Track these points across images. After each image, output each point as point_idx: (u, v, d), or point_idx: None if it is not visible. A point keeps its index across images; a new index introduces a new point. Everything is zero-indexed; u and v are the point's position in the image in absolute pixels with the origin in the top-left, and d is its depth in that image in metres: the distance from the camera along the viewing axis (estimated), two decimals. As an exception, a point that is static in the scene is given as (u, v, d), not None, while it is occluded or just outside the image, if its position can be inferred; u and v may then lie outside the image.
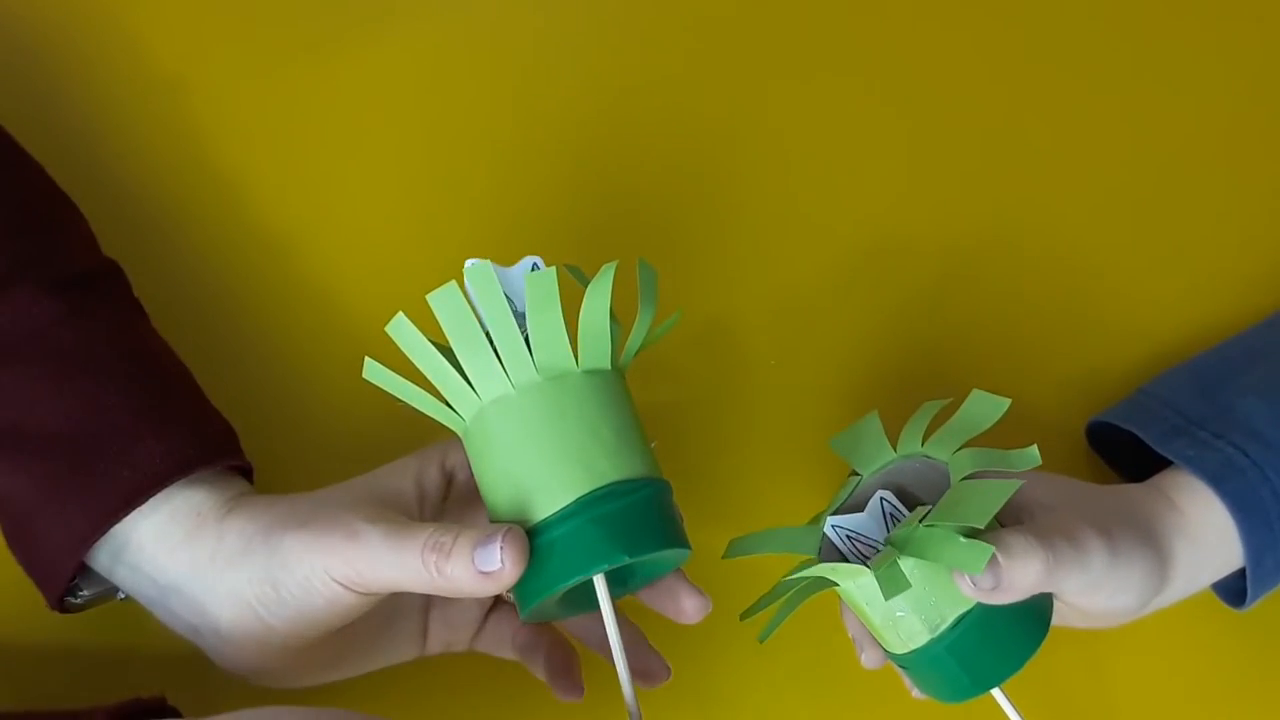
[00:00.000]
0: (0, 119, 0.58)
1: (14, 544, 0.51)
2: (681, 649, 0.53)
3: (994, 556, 0.47)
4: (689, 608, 0.50)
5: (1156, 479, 0.57)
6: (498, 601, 0.54)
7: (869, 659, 0.53)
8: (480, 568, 0.45)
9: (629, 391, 0.49)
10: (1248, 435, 0.56)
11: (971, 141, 0.71)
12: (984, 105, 0.72)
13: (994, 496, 0.47)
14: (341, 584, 0.47)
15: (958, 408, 0.53)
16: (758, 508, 0.61)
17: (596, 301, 0.46)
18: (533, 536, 0.46)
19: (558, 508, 0.45)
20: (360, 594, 0.47)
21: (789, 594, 0.51)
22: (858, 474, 0.54)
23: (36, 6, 0.67)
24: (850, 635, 0.54)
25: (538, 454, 0.46)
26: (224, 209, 0.64)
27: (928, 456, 0.53)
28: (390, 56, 0.69)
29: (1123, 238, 0.69)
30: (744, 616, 0.51)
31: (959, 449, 0.52)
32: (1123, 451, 0.61)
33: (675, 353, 0.62)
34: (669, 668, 0.52)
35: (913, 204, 0.69)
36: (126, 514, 0.49)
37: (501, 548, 0.44)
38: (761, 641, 0.51)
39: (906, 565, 0.48)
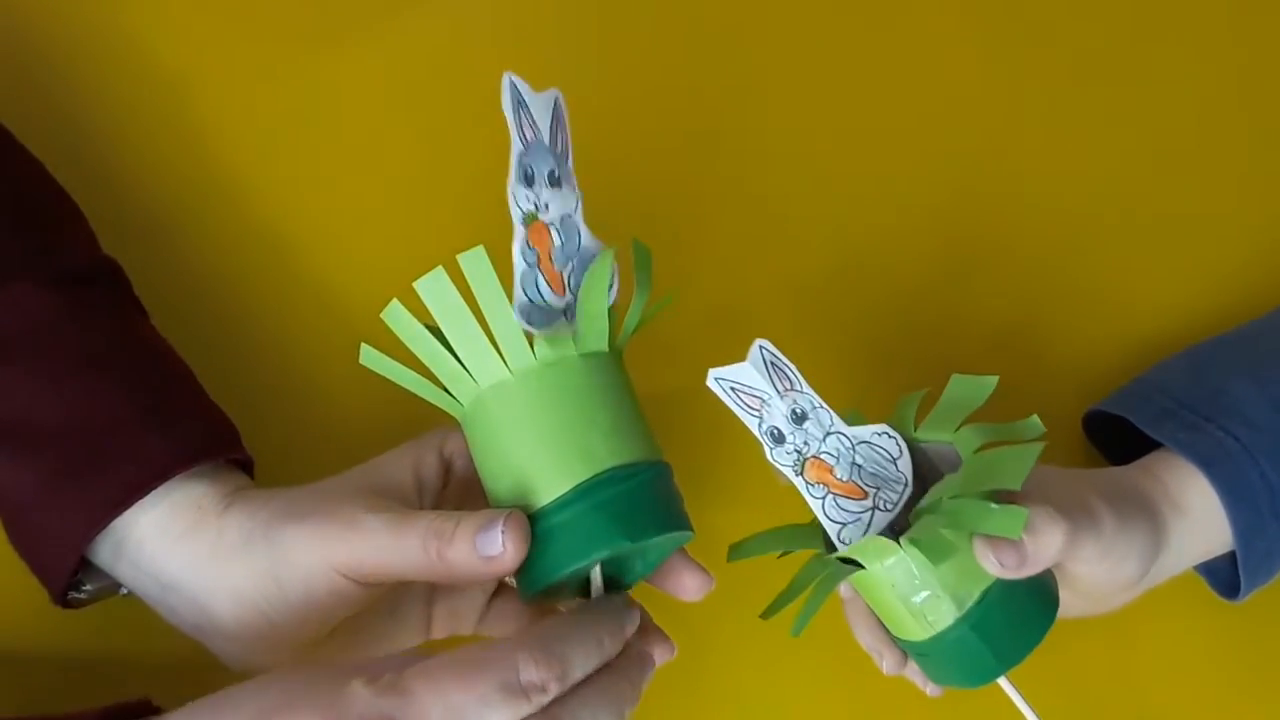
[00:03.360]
0: (1, 117, 0.58)
1: (16, 539, 0.51)
2: (683, 633, 0.53)
3: None
4: (690, 585, 0.50)
5: (1145, 460, 0.57)
6: (501, 586, 0.54)
7: (890, 664, 0.53)
8: (482, 552, 0.45)
9: (626, 372, 0.49)
10: (1236, 418, 0.56)
11: (970, 134, 0.71)
12: (982, 98, 0.72)
13: (1023, 458, 0.47)
14: (343, 575, 0.47)
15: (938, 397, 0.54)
16: (760, 493, 0.60)
17: (596, 285, 0.46)
18: (533, 523, 0.46)
19: (558, 494, 0.46)
20: (362, 585, 0.47)
21: (815, 582, 0.50)
22: None
23: (38, 5, 0.67)
24: (864, 646, 0.54)
25: (537, 440, 0.46)
26: (225, 206, 0.64)
27: (919, 441, 0.53)
28: (391, 54, 0.69)
29: (1121, 232, 0.70)
30: (766, 615, 0.51)
31: (960, 427, 0.52)
32: (1117, 444, 0.61)
33: (678, 339, 0.62)
34: (674, 647, 0.51)
35: (913, 196, 0.69)
36: (128, 506, 0.49)
37: (503, 531, 0.45)
38: (796, 635, 0.51)
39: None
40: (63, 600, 0.51)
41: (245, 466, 0.53)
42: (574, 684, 0.42)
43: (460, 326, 0.46)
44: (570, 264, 0.48)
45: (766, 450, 0.49)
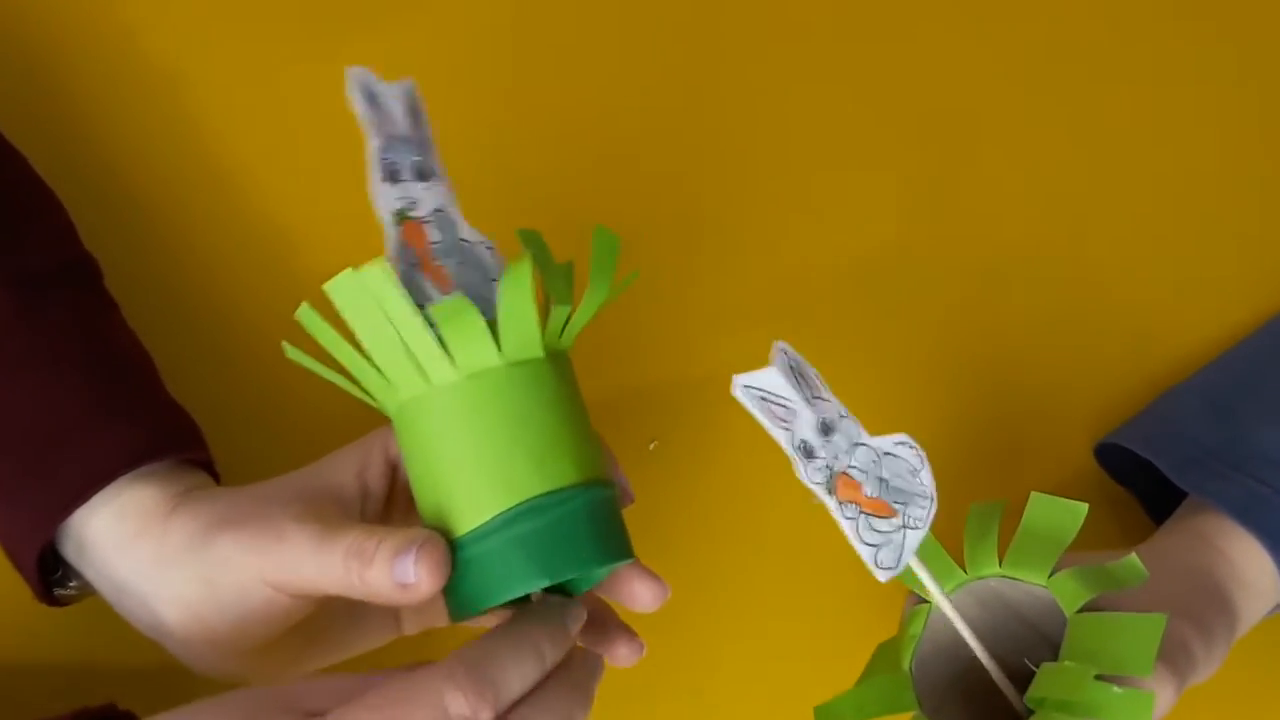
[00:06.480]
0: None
1: None
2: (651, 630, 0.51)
3: None
4: (644, 595, 0.46)
5: (1199, 526, 0.56)
6: None
7: None
8: (397, 579, 0.42)
9: (570, 375, 0.45)
10: (1262, 462, 0.56)
11: (981, 153, 0.70)
12: (994, 117, 0.71)
13: (1147, 639, 0.45)
14: (274, 587, 0.45)
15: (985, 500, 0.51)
16: (757, 492, 0.60)
17: (517, 286, 0.42)
18: (455, 550, 0.43)
19: (477, 524, 0.42)
20: (294, 598, 0.45)
21: None
22: (925, 601, 0.50)
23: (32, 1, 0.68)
24: None
25: (458, 461, 0.43)
26: (217, 202, 0.64)
27: (1009, 577, 0.50)
28: (388, 51, 0.68)
29: (1128, 245, 0.69)
30: None
31: (1053, 571, 0.49)
32: (1129, 464, 0.61)
33: (680, 337, 0.62)
34: (642, 644, 0.48)
35: (923, 213, 0.69)
36: (74, 509, 0.48)
37: (415, 561, 0.42)
38: None
39: None
40: (49, 598, 0.51)
41: (206, 465, 0.52)
42: (513, 702, 0.40)
43: (375, 334, 0.42)
44: (452, 259, 0.44)
45: (799, 468, 0.44)
